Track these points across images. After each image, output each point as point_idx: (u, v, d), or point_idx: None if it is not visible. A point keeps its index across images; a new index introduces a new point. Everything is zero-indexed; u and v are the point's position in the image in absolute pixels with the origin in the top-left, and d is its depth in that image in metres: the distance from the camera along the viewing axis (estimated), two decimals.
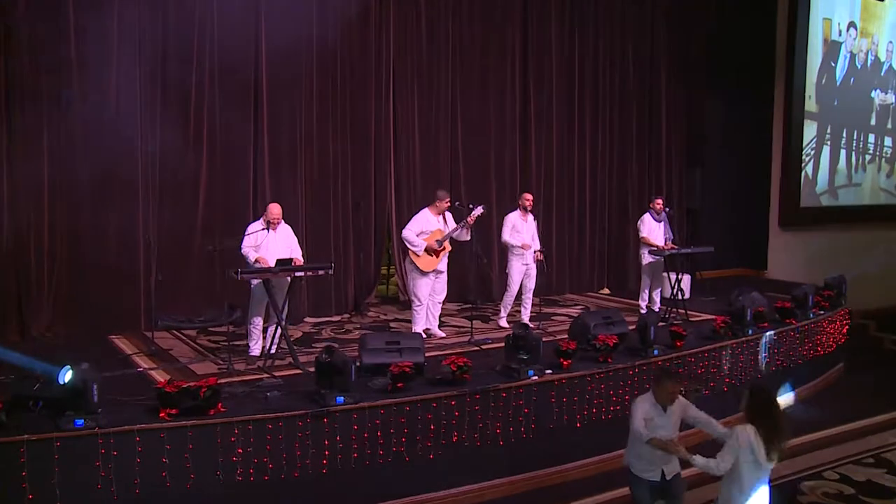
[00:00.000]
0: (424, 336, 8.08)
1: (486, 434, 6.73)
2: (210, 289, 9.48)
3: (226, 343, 8.39)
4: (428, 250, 8.57)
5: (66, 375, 5.49)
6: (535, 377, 7.05)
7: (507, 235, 9.43)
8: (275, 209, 7.56)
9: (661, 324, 9.43)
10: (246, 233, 7.53)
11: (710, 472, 4.89)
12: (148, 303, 9.04)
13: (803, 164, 14.99)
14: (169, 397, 5.64)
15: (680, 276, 10.04)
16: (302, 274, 7.27)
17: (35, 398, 5.62)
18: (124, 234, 9.01)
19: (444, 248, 8.68)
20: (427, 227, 8.65)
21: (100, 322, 8.82)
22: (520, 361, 7.08)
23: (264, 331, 7.79)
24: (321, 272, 7.40)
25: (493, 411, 6.77)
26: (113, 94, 8.83)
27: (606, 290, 12.96)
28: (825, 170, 15.41)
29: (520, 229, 9.44)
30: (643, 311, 10.36)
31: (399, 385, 6.45)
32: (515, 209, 9.65)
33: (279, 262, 7.24)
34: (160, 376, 7.08)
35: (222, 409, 5.82)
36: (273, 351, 7.59)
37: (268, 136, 9.73)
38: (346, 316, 10.22)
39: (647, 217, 10.56)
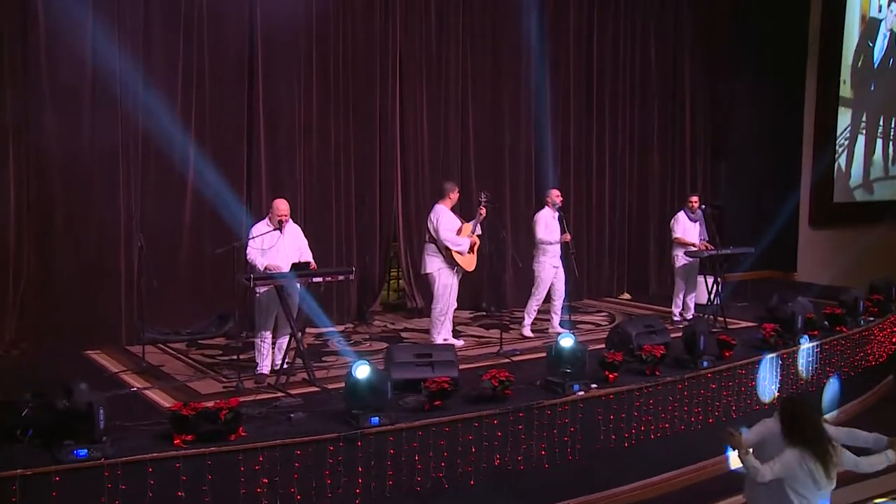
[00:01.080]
0: None
1: (531, 456, 6.66)
2: (198, 296, 9.39)
3: (224, 357, 8.34)
4: (472, 246, 8.58)
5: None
6: (581, 392, 7.01)
7: (543, 233, 9.40)
8: (282, 205, 7.42)
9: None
10: (251, 235, 7.36)
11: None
12: (130, 313, 8.89)
13: (836, 156, 15.09)
14: (185, 421, 5.48)
15: (719, 280, 10.04)
16: (321, 279, 7.12)
17: (24, 426, 5.39)
18: (102, 235, 8.83)
19: (475, 244, 8.72)
20: (455, 223, 8.60)
21: (74, 336, 8.61)
22: (563, 375, 7.01)
23: (273, 344, 7.62)
24: (341, 278, 7.31)
25: (538, 431, 6.71)
26: (88, 73, 8.60)
27: (627, 296, 12.99)
28: (859, 162, 15.54)
29: (552, 228, 9.45)
30: (676, 319, 10.41)
31: (436, 403, 6.37)
32: (542, 207, 9.67)
33: (294, 266, 7.13)
34: (158, 397, 6.95)
35: (243, 434, 5.68)
36: (284, 367, 7.47)
37: (263, 124, 9.61)
38: (350, 326, 10.11)
39: (681, 216, 10.57)
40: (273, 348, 7.57)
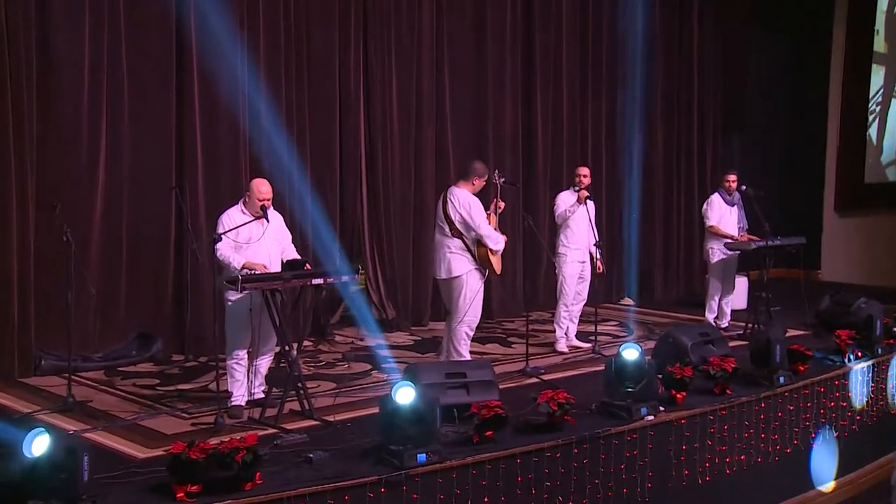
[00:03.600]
0: None
1: (596, 497, 6.70)
2: (109, 311, 9.19)
3: (169, 388, 8.23)
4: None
5: (39, 444, 5.04)
6: (651, 417, 7.08)
7: (566, 212, 9.52)
8: (263, 187, 7.22)
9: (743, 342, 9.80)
10: (220, 224, 7.18)
11: None
12: (25, 337, 8.62)
13: (868, 123, 15.55)
14: (191, 468, 5.29)
15: (765, 278, 10.27)
16: (321, 282, 7.00)
17: None
18: None
19: None
20: (484, 213, 8.44)
21: None
22: (625, 396, 7.08)
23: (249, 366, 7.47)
24: (345, 279, 7.28)
25: (605, 465, 6.74)
26: None
27: (629, 301, 13.26)
28: (893, 131, 16.02)
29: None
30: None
31: (487, 434, 6.34)
32: (566, 189, 9.91)
33: (288, 264, 7.03)
34: (111, 441, 6.75)
35: (260, 482, 5.55)
36: (260, 396, 7.40)
37: (197, 82, 9.48)
38: (310, 343, 10.00)
39: (715, 199, 10.80)
40: (248, 372, 7.44)
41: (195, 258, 8.83)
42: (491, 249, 8.32)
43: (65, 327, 7.75)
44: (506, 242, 8.55)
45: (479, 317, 8.56)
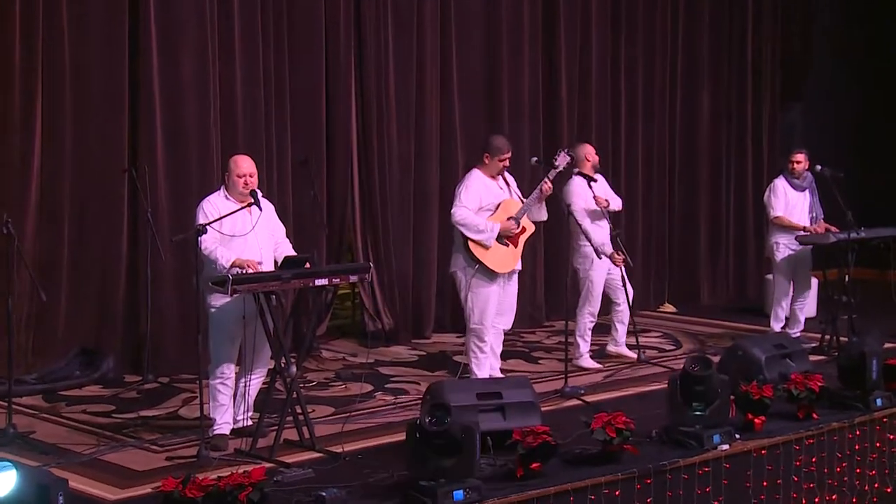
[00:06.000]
0: None
1: None
2: (47, 321, 9.18)
3: (128, 416, 8.25)
4: (502, 237, 8.59)
5: (4, 482, 5.07)
6: (725, 446, 7.12)
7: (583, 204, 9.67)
8: (243, 163, 7.33)
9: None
10: (202, 213, 7.24)
11: None
12: None
13: None
14: None
15: (846, 278, 10.36)
16: (326, 282, 7.08)
17: None
18: None
19: (522, 231, 8.77)
20: (488, 197, 8.69)
21: None
22: (694, 420, 7.14)
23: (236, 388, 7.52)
24: (354, 278, 7.36)
25: None
26: None
27: (670, 307, 13.43)
28: None
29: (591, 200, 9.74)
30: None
31: (533, 466, 6.40)
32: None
33: (287, 261, 7.09)
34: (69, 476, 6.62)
35: None
36: (249, 423, 7.46)
37: (156, 40, 9.49)
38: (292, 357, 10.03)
39: (779, 185, 10.90)
40: (235, 395, 7.50)
41: (156, 255, 8.86)
42: (471, 242, 8.54)
43: (5, 339, 7.80)
44: (518, 236, 8.71)
45: (492, 320, 8.75)
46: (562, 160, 8.85)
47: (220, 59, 9.83)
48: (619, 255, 9.80)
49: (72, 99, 9.19)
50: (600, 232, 9.70)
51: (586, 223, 9.48)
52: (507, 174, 8.92)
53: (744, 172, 14.39)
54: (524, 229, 8.81)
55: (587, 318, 9.84)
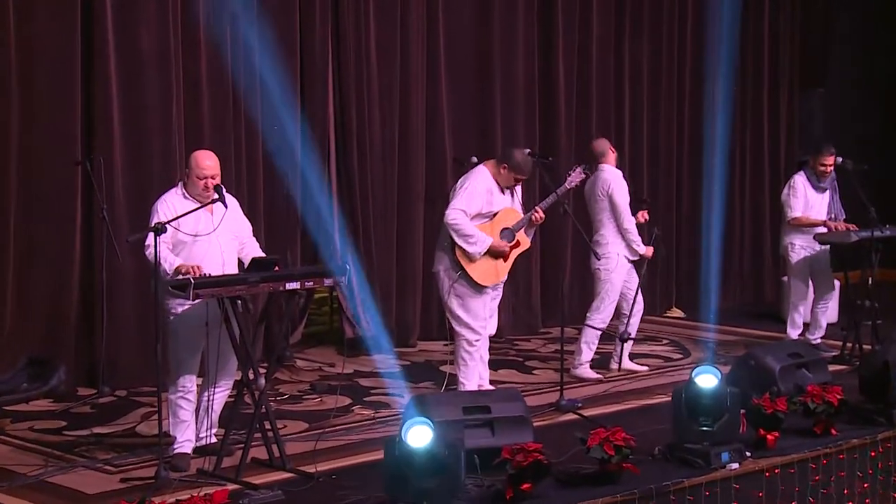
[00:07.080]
0: None
1: None
2: None
3: (81, 433, 8.24)
4: (494, 251, 8.66)
5: None
6: (735, 465, 7.12)
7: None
8: (206, 161, 7.30)
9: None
10: (156, 215, 7.22)
11: None
12: None
13: None
14: None
15: (870, 281, 10.37)
16: (297, 286, 7.10)
17: None
18: None
19: (517, 244, 8.82)
20: (490, 205, 8.73)
21: None
22: (701, 437, 7.14)
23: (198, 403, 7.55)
24: (328, 282, 7.38)
25: None
26: None
27: (678, 312, 13.56)
28: None
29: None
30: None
31: (524, 487, 6.38)
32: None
33: (255, 263, 7.11)
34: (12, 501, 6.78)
35: None
36: (213, 441, 7.49)
37: (112, 21, 9.46)
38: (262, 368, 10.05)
39: (798, 181, 10.94)
40: (197, 410, 7.52)
41: (113, 256, 8.86)
42: (458, 251, 8.66)
43: None
44: (511, 250, 8.81)
45: (481, 330, 8.81)
46: (576, 177, 8.93)
47: (181, 38, 9.82)
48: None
49: (18, 79, 9.15)
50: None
51: (629, 221, 9.68)
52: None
53: (759, 165, 14.49)
54: (518, 243, 8.87)
55: (598, 324, 9.88)
